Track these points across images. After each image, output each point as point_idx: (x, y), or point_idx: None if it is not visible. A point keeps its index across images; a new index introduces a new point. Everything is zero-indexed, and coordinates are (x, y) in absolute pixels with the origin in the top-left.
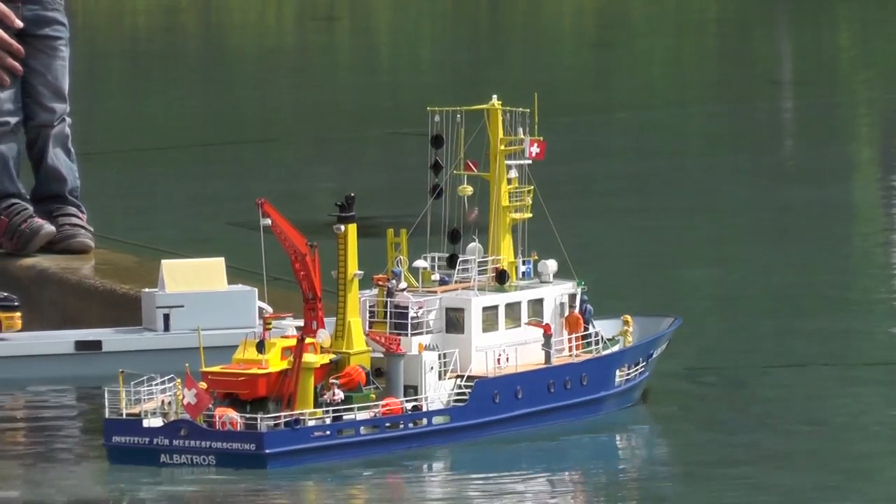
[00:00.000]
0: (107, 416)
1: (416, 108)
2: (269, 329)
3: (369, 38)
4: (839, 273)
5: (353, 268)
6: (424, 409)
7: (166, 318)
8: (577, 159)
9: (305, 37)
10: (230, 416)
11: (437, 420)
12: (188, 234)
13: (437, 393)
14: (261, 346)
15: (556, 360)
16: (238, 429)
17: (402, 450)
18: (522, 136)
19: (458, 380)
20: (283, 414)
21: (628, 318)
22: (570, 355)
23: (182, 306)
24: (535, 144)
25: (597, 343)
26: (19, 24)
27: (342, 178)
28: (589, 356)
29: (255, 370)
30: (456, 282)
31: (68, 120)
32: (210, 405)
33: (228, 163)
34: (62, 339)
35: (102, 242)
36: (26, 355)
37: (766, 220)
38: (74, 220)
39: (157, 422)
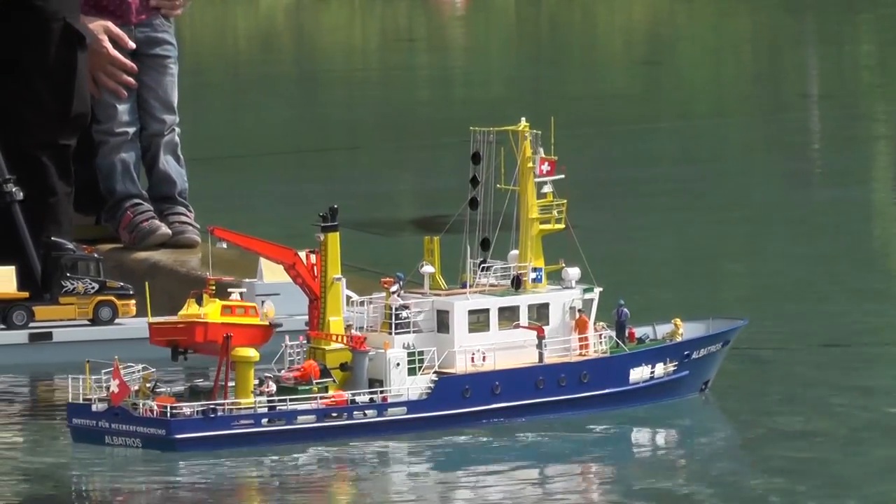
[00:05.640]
0: (70, 400)
1: (486, 119)
2: (213, 290)
3: (444, 57)
4: (861, 264)
5: (333, 272)
6: (387, 401)
7: (263, 304)
8: (629, 165)
9: (387, 56)
10: (149, 404)
11: (393, 411)
12: (283, 230)
13: (406, 387)
14: (199, 300)
15: (550, 360)
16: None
17: (338, 440)
18: (542, 156)
19: (434, 376)
20: (196, 404)
21: (678, 321)
22: (581, 354)
23: (278, 294)
24: (546, 163)
25: (601, 343)
26: (132, 44)
27: (419, 181)
28: (596, 356)
29: (193, 319)
30: (477, 285)
31: (177, 129)
32: (129, 394)
33: (319, 167)
34: None
35: (208, 238)
36: (140, 338)
37: (796, 217)
38: (183, 219)
39: (103, 407)
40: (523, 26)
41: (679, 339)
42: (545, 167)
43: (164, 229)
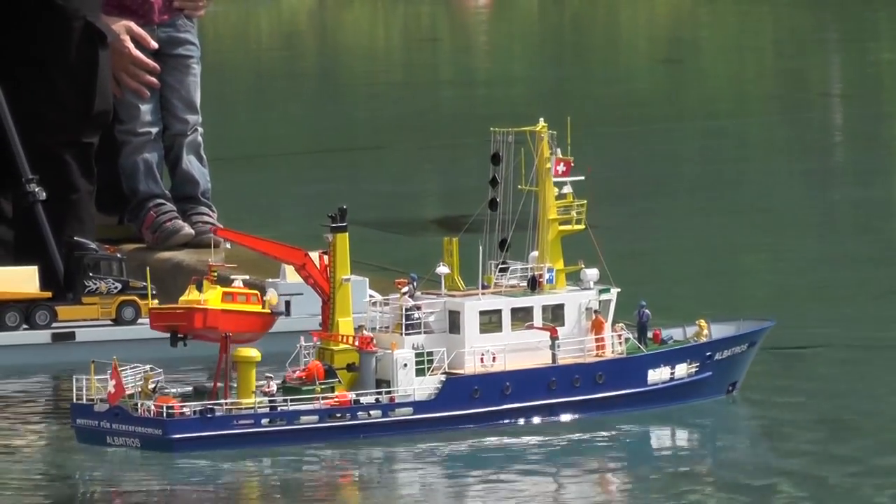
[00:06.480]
0: (74, 400)
1: (507, 119)
2: (215, 277)
3: (467, 57)
4: (885, 264)
5: (342, 273)
6: (395, 401)
7: (287, 304)
8: (650, 164)
9: (410, 55)
10: (147, 404)
11: (399, 412)
12: (306, 230)
13: (413, 388)
14: (199, 286)
15: (564, 361)
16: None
17: (342, 440)
18: (558, 157)
19: (442, 376)
20: (195, 404)
21: (703, 322)
22: (598, 355)
23: (301, 294)
24: (561, 164)
25: (620, 344)
26: (154, 44)
27: (442, 181)
28: (613, 356)
29: (192, 305)
30: (495, 286)
31: (200, 129)
32: (125, 395)
33: (342, 167)
34: None
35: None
36: (163, 338)
37: (818, 217)
38: (206, 219)
39: (104, 407)
40: (546, 25)
41: (704, 339)
42: (560, 168)
43: (188, 229)
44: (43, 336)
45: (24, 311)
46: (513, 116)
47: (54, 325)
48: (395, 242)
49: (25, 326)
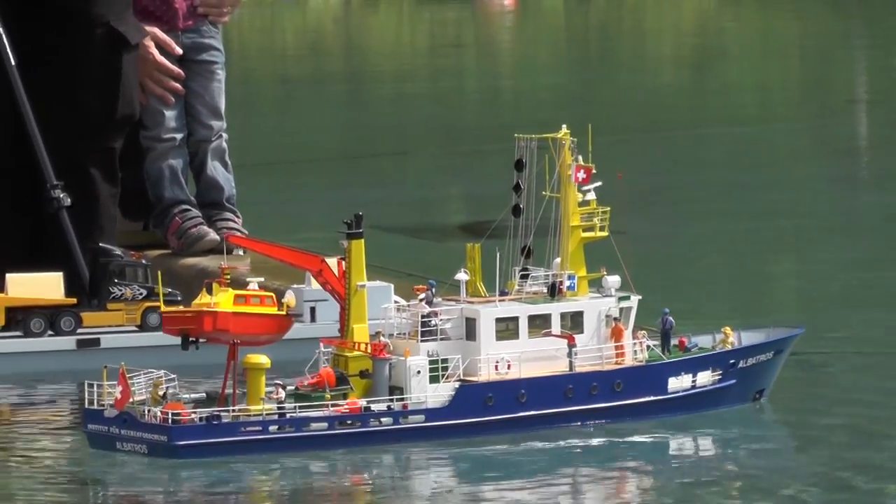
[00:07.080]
0: (86, 406)
1: (532, 124)
2: (227, 280)
3: (492, 63)
4: None
5: (357, 279)
6: (408, 408)
7: (312, 310)
8: (676, 170)
9: (436, 61)
10: (154, 411)
11: (411, 419)
12: (332, 235)
13: (426, 395)
14: (209, 289)
15: (582, 368)
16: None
17: (352, 447)
18: (578, 164)
19: (456, 384)
20: (201, 410)
21: (728, 330)
22: (618, 363)
23: (326, 300)
24: (582, 171)
25: (641, 352)
26: (179, 50)
27: (467, 187)
28: (633, 364)
29: (202, 308)
30: (517, 292)
31: (225, 135)
32: (132, 400)
33: (367, 173)
34: None
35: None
36: None
37: (845, 222)
38: (231, 225)
39: (114, 413)
40: (571, 29)
41: (729, 347)
42: (581, 175)
43: (213, 235)
44: (68, 342)
45: (50, 317)
46: (537, 122)
47: (79, 331)
48: (420, 248)
49: (51, 333)
